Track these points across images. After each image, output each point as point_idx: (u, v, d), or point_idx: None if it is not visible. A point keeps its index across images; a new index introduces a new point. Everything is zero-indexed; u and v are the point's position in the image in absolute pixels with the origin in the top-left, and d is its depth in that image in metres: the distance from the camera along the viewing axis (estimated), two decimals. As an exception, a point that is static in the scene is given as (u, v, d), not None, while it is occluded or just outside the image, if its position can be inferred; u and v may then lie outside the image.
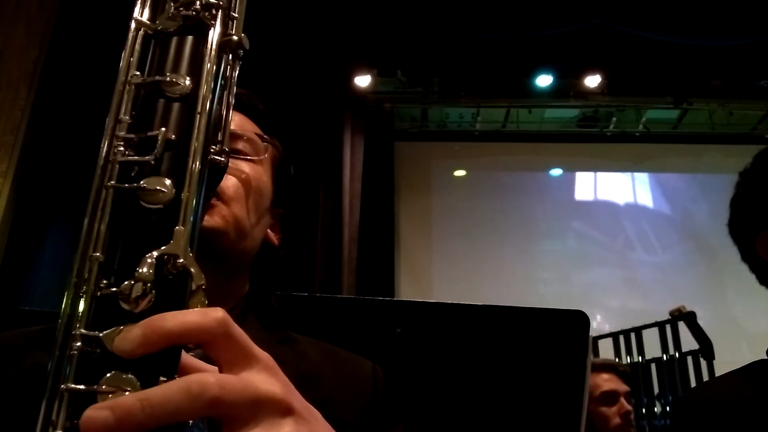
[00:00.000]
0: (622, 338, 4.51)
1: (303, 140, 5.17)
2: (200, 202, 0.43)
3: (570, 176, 6.41)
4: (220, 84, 0.48)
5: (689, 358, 4.18)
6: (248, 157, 0.83)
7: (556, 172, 6.43)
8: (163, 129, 0.43)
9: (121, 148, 0.43)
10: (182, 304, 0.40)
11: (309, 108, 5.41)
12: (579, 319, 0.92)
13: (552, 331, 0.93)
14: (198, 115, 0.44)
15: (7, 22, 3.76)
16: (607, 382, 2.48)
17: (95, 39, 4.03)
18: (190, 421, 0.37)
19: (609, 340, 4.53)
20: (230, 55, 0.49)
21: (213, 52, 0.47)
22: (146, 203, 0.41)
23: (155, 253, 0.39)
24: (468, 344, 0.95)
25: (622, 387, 2.51)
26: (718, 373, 3.78)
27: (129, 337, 0.36)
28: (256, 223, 0.82)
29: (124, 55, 0.46)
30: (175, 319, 0.37)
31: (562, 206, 6.22)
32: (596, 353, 4.14)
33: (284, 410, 0.39)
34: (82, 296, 0.39)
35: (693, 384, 4.04)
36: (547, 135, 6.40)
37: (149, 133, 0.43)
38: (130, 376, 0.37)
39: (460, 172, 6.45)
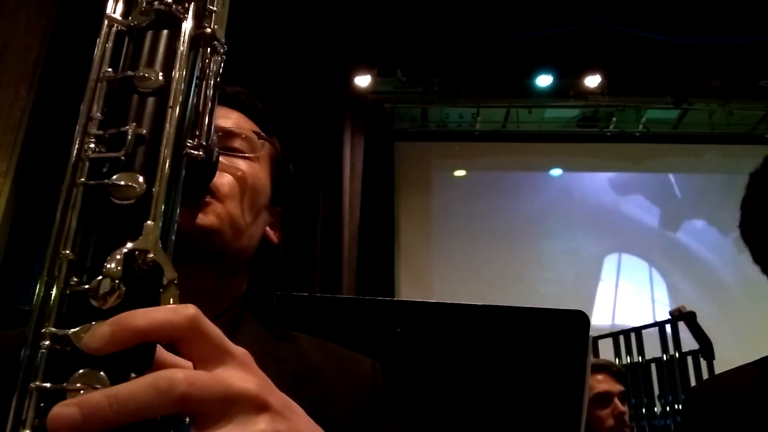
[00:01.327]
0: (622, 338, 4.50)
1: (303, 140, 5.17)
2: (174, 197, 0.42)
3: (570, 176, 6.41)
4: (196, 77, 0.47)
5: (689, 358, 4.18)
6: (244, 155, 0.83)
7: (556, 172, 6.43)
8: (134, 124, 0.42)
9: (93, 145, 0.42)
10: (154, 300, 0.39)
11: (309, 108, 5.41)
12: (579, 319, 0.92)
13: (552, 331, 0.93)
14: (170, 109, 0.43)
15: (7, 21, 3.76)
16: (600, 383, 2.48)
17: (95, 38, 4.03)
18: (187, 419, 0.37)
19: (609, 340, 4.53)
20: (207, 49, 0.49)
21: (185, 45, 0.46)
22: (117, 199, 0.40)
23: (124, 249, 0.39)
24: (468, 344, 0.95)
25: (616, 387, 2.50)
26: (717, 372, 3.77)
27: (97, 334, 0.36)
28: (252, 221, 0.81)
29: (97, 51, 0.46)
30: (144, 317, 0.37)
31: (562, 206, 6.22)
32: (596, 353, 4.14)
33: (259, 406, 0.39)
34: (51, 294, 0.39)
35: (693, 384, 4.04)
36: (547, 135, 6.40)
37: (120, 129, 0.42)
38: (100, 373, 0.36)
39: (460, 172, 6.45)
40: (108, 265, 0.38)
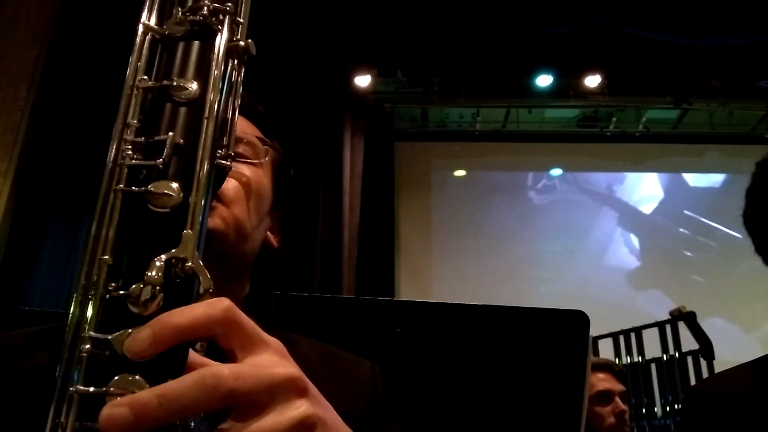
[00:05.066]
0: (622, 338, 4.50)
1: (303, 140, 5.17)
2: (207, 206, 0.43)
3: (570, 176, 6.41)
4: (226, 89, 0.48)
5: (689, 358, 4.18)
6: (249, 161, 0.83)
7: (556, 172, 6.43)
8: (171, 133, 0.43)
9: (129, 152, 0.43)
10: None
11: (309, 108, 5.41)
12: (579, 319, 0.92)
13: (552, 331, 0.93)
14: (205, 120, 0.44)
15: (7, 21, 3.76)
16: (602, 381, 2.48)
17: (95, 38, 4.04)
18: (192, 423, 0.38)
19: (609, 340, 4.53)
20: (236, 61, 0.50)
21: (220, 58, 0.47)
22: (154, 207, 0.41)
23: (164, 257, 0.39)
24: (468, 344, 0.95)
25: (618, 386, 2.51)
26: (718, 373, 3.77)
27: (140, 337, 0.37)
28: (256, 225, 0.82)
29: (132, 59, 0.46)
30: (182, 314, 0.38)
31: (562, 206, 6.22)
32: (596, 353, 4.14)
33: (299, 390, 0.40)
34: (90, 299, 0.39)
35: (693, 384, 4.04)
36: (547, 135, 6.40)
37: (157, 137, 0.43)
38: (137, 378, 0.37)
39: (460, 172, 6.45)
40: (149, 273, 0.38)
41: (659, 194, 6.31)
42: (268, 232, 0.88)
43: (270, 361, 0.40)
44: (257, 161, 0.84)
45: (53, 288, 3.82)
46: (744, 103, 5.96)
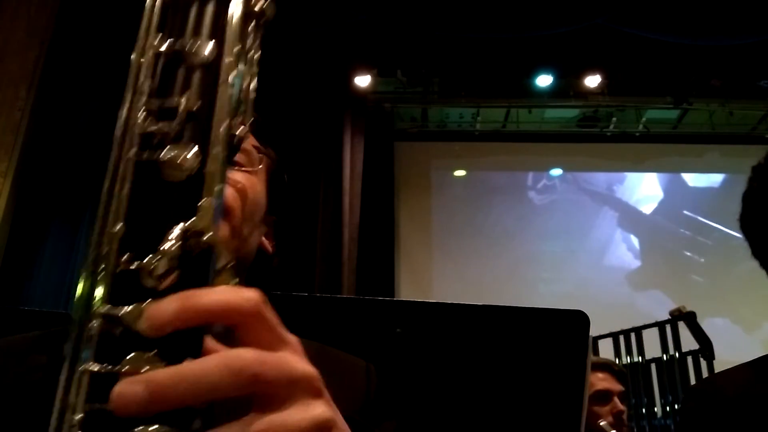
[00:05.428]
0: (622, 338, 4.51)
1: (303, 140, 5.17)
2: (224, 176, 0.41)
3: (570, 176, 6.41)
4: (244, 53, 0.45)
5: (689, 358, 4.18)
6: (244, 168, 0.84)
7: (556, 172, 6.43)
8: (185, 98, 0.40)
9: (141, 119, 0.40)
10: (206, 283, 0.37)
11: (309, 108, 5.41)
12: (579, 319, 0.92)
13: (552, 331, 0.93)
14: (221, 85, 0.42)
15: (7, 22, 3.76)
16: (601, 381, 2.49)
17: (95, 38, 4.03)
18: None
19: (609, 340, 4.53)
20: (253, 25, 0.47)
21: (236, 20, 0.44)
22: (168, 175, 0.38)
23: (179, 228, 0.37)
24: (468, 344, 0.95)
25: (617, 386, 2.51)
26: (718, 373, 3.77)
27: (163, 309, 0.34)
28: (251, 232, 0.83)
29: (143, 21, 0.44)
30: (211, 296, 0.36)
31: (562, 206, 6.22)
32: (596, 353, 4.14)
33: (316, 391, 0.39)
34: (101, 272, 0.37)
35: (693, 384, 4.04)
36: (547, 135, 6.40)
37: (170, 103, 0.40)
38: (152, 355, 0.34)
39: (460, 172, 6.46)
40: (165, 244, 0.36)
41: (659, 194, 6.32)
42: (263, 238, 0.89)
43: (290, 357, 0.38)
44: (252, 169, 0.85)
45: (53, 288, 3.82)
46: (744, 103, 5.96)
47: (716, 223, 5.95)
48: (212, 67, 0.42)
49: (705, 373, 3.93)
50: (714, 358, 3.90)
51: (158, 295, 0.35)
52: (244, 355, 0.35)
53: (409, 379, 0.92)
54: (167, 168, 0.38)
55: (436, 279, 5.96)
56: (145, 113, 0.40)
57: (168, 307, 0.34)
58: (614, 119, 6.29)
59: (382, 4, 4.64)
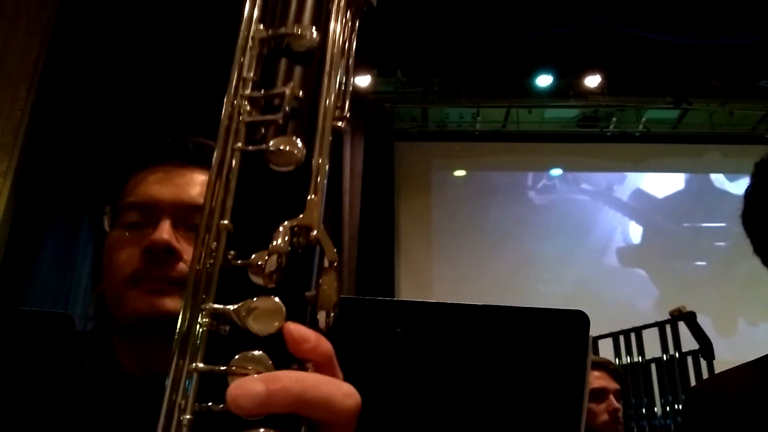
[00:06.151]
0: (622, 338, 4.50)
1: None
2: (328, 171, 0.39)
3: (570, 176, 6.41)
4: (345, 42, 0.44)
5: (689, 358, 4.17)
6: None
7: (556, 172, 6.43)
8: (290, 87, 0.38)
9: (247, 108, 0.39)
10: (311, 282, 0.36)
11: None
12: (579, 319, 0.92)
13: (552, 331, 0.93)
14: (326, 75, 0.40)
15: (7, 22, 3.76)
16: (597, 379, 2.50)
17: (95, 38, 4.03)
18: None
19: (609, 340, 4.53)
20: (354, 12, 0.45)
21: (341, 5, 0.43)
22: (276, 166, 0.37)
23: (287, 224, 0.36)
24: (468, 344, 0.95)
25: (612, 385, 2.53)
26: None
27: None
28: None
29: (246, 7, 0.42)
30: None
31: (562, 206, 6.22)
32: (596, 353, 4.14)
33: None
34: (208, 268, 0.35)
35: (693, 384, 4.04)
36: (547, 135, 6.40)
37: (275, 91, 0.39)
38: (262, 354, 0.33)
39: (460, 172, 6.45)
40: (275, 241, 0.35)
41: (659, 194, 6.31)
42: None
43: None
44: None
45: (53, 288, 3.82)
46: (744, 103, 5.96)
47: (716, 222, 5.95)
48: (316, 55, 0.40)
49: (705, 373, 3.93)
50: (714, 358, 3.91)
51: (267, 292, 0.34)
52: (353, 389, 0.36)
53: (409, 379, 0.92)
54: (275, 159, 0.37)
55: (436, 279, 5.96)
56: (249, 103, 0.39)
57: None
58: (614, 119, 6.29)
59: (381, 4, 4.63)
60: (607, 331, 4.54)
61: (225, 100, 0.39)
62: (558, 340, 0.94)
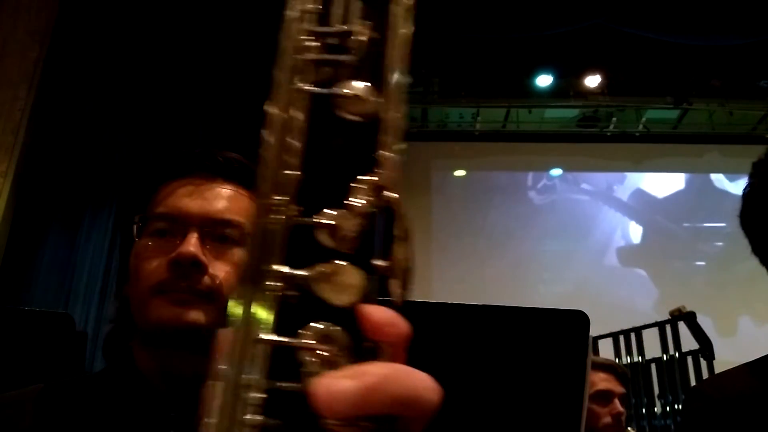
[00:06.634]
0: (622, 338, 4.51)
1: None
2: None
3: (570, 176, 6.41)
4: None
5: (689, 358, 4.18)
6: (236, 244, 0.77)
7: (556, 172, 6.43)
8: (360, 22, 0.33)
9: (308, 44, 0.33)
10: (387, 249, 0.32)
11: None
12: (579, 319, 0.92)
13: (552, 331, 0.93)
14: (399, 18, 0.34)
15: (7, 22, 3.77)
16: (603, 381, 2.48)
17: (95, 38, 4.04)
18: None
19: (609, 340, 4.53)
20: None
21: None
22: (346, 113, 0.32)
23: (367, 180, 0.32)
24: (467, 344, 0.95)
25: (618, 388, 2.51)
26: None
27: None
28: None
29: None
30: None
31: (562, 206, 6.23)
32: (596, 353, 4.14)
33: None
34: (273, 226, 0.30)
35: (693, 384, 4.04)
36: (547, 135, 6.41)
37: (343, 28, 0.33)
38: (340, 330, 0.29)
39: (460, 172, 6.46)
40: (353, 200, 0.31)
41: (659, 194, 6.32)
42: None
43: None
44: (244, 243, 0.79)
45: (53, 288, 3.82)
46: (744, 103, 5.97)
47: (716, 222, 5.95)
48: None
49: (705, 373, 3.93)
50: (714, 358, 3.90)
51: (340, 257, 0.30)
52: (436, 385, 0.33)
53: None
54: (345, 104, 0.32)
55: (436, 279, 5.96)
56: (315, 39, 0.33)
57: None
58: (614, 119, 6.29)
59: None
60: (607, 331, 4.54)
61: (282, 33, 0.33)
62: (558, 340, 0.94)
